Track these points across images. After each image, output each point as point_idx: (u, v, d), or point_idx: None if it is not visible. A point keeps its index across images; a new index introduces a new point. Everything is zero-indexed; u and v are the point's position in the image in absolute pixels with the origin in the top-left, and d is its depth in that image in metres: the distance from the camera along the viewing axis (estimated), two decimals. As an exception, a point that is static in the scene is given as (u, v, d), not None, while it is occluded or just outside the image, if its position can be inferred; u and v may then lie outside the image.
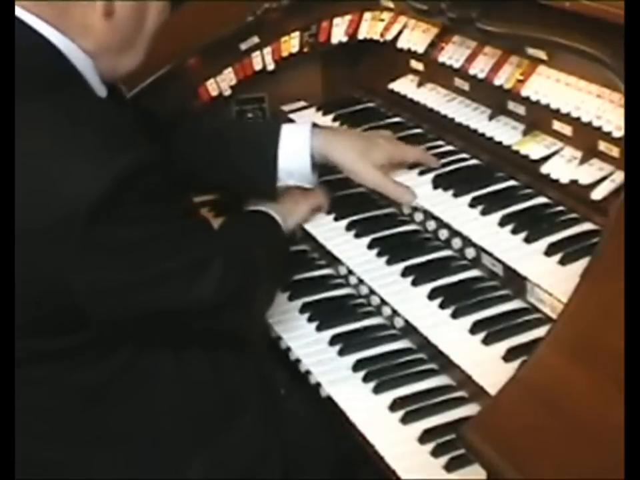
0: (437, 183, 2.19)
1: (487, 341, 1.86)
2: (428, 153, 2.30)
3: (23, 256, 1.65)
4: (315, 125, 2.23)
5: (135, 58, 1.89)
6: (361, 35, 2.64)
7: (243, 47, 2.74)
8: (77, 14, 1.74)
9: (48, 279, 1.67)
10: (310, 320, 2.21)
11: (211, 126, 2.34)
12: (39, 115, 1.66)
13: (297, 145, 2.18)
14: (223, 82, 2.75)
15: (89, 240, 1.64)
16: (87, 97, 1.79)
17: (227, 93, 2.76)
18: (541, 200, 2.09)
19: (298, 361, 2.13)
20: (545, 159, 2.09)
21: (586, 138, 2.01)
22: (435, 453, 1.81)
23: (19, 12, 1.72)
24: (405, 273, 2.10)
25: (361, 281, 2.20)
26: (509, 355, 1.80)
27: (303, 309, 2.24)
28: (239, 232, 2.13)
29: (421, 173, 2.25)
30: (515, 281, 1.95)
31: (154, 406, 1.90)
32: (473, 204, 2.10)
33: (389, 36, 2.56)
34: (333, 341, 2.12)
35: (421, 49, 2.44)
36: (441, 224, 2.13)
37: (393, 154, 2.23)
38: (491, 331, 1.88)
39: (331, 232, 2.31)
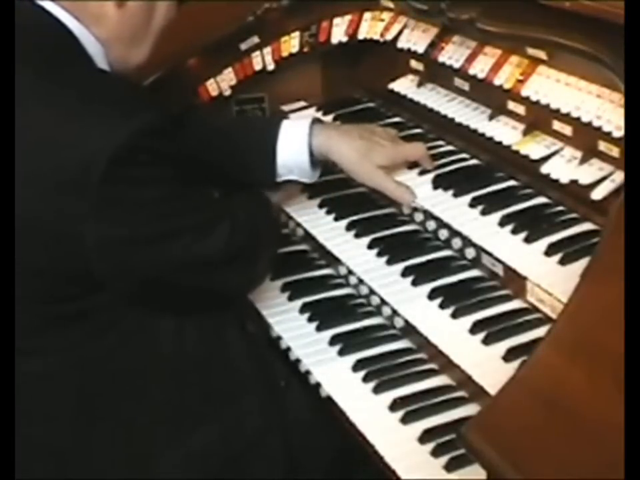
0: (437, 183, 2.19)
1: (487, 341, 1.86)
2: (427, 154, 2.29)
3: (41, 211, 1.72)
4: (316, 121, 2.23)
5: (143, 51, 1.99)
6: (361, 35, 2.64)
7: (243, 47, 2.74)
8: (91, 4, 1.86)
9: (64, 236, 1.72)
10: (310, 320, 2.21)
11: (212, 121, 2.35)
12: (56, 81, 1.76)
13: (295, 141, 2.18)
14: (223, 82, 2.75)
15: (103, 194, 1.70)
16: (98, 70, 1.89)
17: (227, 92, 2.76)
18: (541, 200, 2.09)
19: (298, 361, 2.13)
20: (545, 158, 2.09)
21: (586, 138, 2.01)
22: (435, 453, 1.81)
23: (43, 1, 1.83)
24: (405, 273, 2.10)
25: (360, 281, 2.20)
26: (509, 355, 1.80)
27: (303, 309, 2.24)
28: (243, 201, 2.17)
29: (421, 173, 2.25)
30: (514, 281, 1.95)
31: (154, 380, 1.93)
32: (473, 204, 2.10)
33: (389, 36, 2.56)
34: (333, 340, 2.12)
35: (420, 49, 2.44)
36: (441, 224, 2.13)
37: (395, 155, 2.22)
38: (490, 331, 1.88)
39: (331, 232, 2.31)
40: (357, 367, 2.04)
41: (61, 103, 1.75)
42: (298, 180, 2.25)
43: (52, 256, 1.76)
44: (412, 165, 2.27)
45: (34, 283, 1.81)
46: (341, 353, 2.09)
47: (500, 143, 2.20)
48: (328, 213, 2.37)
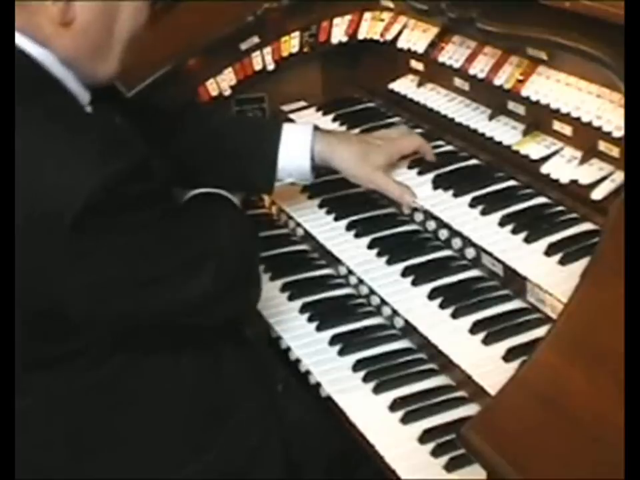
0: (437, 183, 2.19)
1: (486, 341, 1.86)
2: (423, 141, 2.29)
3: (17, 256, 1.64)
4: (315, 128, 2.23)
5: (112, 63, 1.83)
6: (361, 35, 2.65)
7: (243, 47, 2.74)
8: (42, 23, 1.70)
9: (37, 283, 1.67)
10: (310, 320, 2.21)
11: (214, 120, 2.33)
12: (24, 124, 1.64)
13: (298, 147, 2.19)
14: (223, 82, 2.75)
15: (77, 243, 1.63)
16: (68, 106, 1.76)
17: (227, 93, 2.76)
18: (541, 200, 2.09)
19: (298, 360, 2.13)
20: (545, 158, 2.09)
21: (586, 138, 2.01)
22: (435, 453, 1.81)
23: None
24: (405, 273, 2.10)
25: (360, 281, 2.20)
26: (509, 355, 1.80)
27: (302, 309, 2.24)
28: (216, 218, 2.08)
29: (421, 173, 2.25)
30: (515, 281, 1.95)
31: (151, 409, 1.91)
32: (472, 204, 2.10)
33: (389, 36, 2.56)
34: (333, 340, 2.12)
35: (420, 49, 2.44)
36: (441, 224, 2.13)
37: (391, 152, 2.24)
38: (490, 331, 1.88)
39: (331, 232, 2.31)
40: (357, 367, 2.04)
41: (33, 143, 1.64)
42: (296, 182, 2.26)
43: (29, 297, 1.70)
44: (412, 165, 2.28)
45: (13, 324, 1.71)
46: (341, 352, 2.09)
47: (500, 143, 2.20)
48: (328, 212, 2.37)
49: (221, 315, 1.93)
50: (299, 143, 2.19)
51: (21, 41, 1.71)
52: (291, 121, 2.69)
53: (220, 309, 1.91)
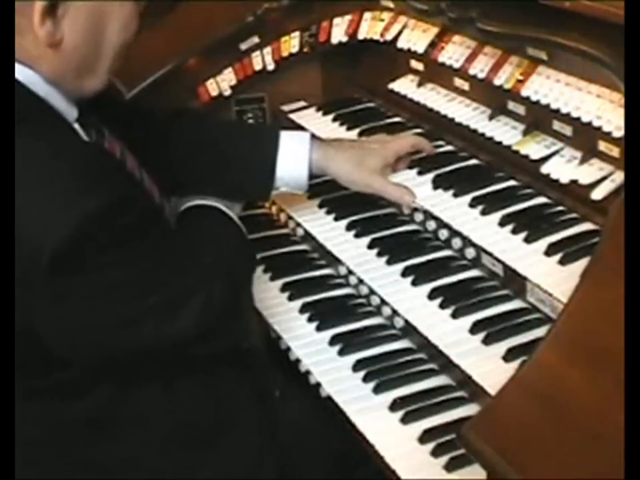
0: (437, 183, 2.19)
1: (486, 341, 1.86)
2: (419, 138, 2.30)
3: None
4: (312, 137, 2.22)
5: (100, 77, 1.78)
6: (361, 35, 2.65)
7: (243, 47, 2.74)
8: (27, 44, 1.64)
9: (18, 319, 1.62)
10: (310, 320, 2.21)
11: (211, 127, 2.32)
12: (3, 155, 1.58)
13: (296, 157, 2.17)
14: (223, 82, 2.75)
15: (54, 287, 1.59)
16: (52, 130, 1.69)
17: (227, 93, 2.76)
18: (541, 200, 2.09)
19: (298, 360, 2.13)
20: (545, 158, 2.09)
21: (586, 138, 2.01)
22: (435, 452, 1.81)
23: None
24: (405, 273, 2.10)
25: (360, 281, 2.20)
26: (509, 355, 1.80)
27: (302, 309, 2.24)
28: (206, 242, 2.03)
29: (421, 173, 2.25)
30: (515, 281, 1.95)
31: (141, 437, 1.88)
32: (472, 204, 2.10)
33: (389, 36, 2.56)
34: (333, 340, 2.12)
35: (420, 49, 2.44)
36: (441, 224, 2.13)
37: (387, 156, 2.23)
38: (491, 331, 1.88)
39: (331, 232, 2.31)
40: (357, 366, 2.04)
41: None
42: (290, 191, 2.24)
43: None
44: (412, 165, 2.28)
45: None
46: (341, 352, 2.09)
47: (500, 143, 2.20)
48: (328, 212, 2.37)
49: (209, 348, 1.87)
50: (296, 153, 2.18)
51: None
52: (291, 120, 2.69)
53: (207, 344, 1.85)
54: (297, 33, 2.74)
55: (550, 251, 1.90)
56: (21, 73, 1.67)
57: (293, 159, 2.17)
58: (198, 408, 1.94)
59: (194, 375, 1.93)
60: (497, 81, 2.20)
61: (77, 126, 1.79)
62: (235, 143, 2.25)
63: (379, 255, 2.18)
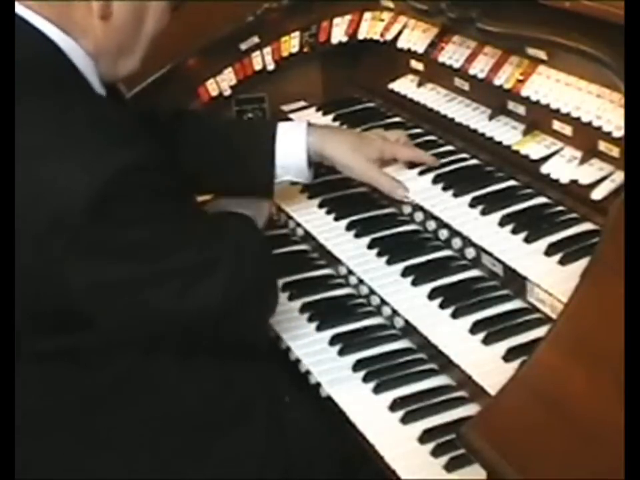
0: (437, 183, 2.19)
1: (486, 341, 1.86)
2: (425, 153, 2.30)
3: (23, 255, 1.64)
4: (310, 124, 2.26)
5: (134, 61, 1.91)
6: (361, 35, 2.65)
7: (243, 47, 2.74)
8: (77, 15, 1.77)
9: (47, 277, 1.66)
10: (310, 320, 2.21)
11: (210, 124, 2.35)
12: (37, 111, 1.67)
13: (294, 142, 2.21)
14: (223, 82, 2.75)
15: (85, 237, 1.63)
16: (87, 94, 1.79)
17: (227, 93, 2.76)
18: (541, 200, 2.09)
19: (298, 361, 2.13)
20: (545, 158, 2.09)
21: (586, 138, 2.02)
22: (435, 452, 1.81)
23: (23, 11, 1.75)
24: (405, 273, 2.10)
25: (361, 281, 2.20)
26: (509, 355, 1.80)
27: (303, 309, 2.24)
28: (240, 235, 2.05)
29: (421, 173, 2.25)
30: (515, 281, 1.95)
31: (156, 413, 1.90)
32: (473, 204, 2.10)
33: (389, 36, 2.56)
34: (333, 341, 2.12)
35: (420, 49, 2.44)
36: (441, 224, 2.13)
37: (384, 151, 2.25)
38: (491, 331, 1.88)
39: (330, 232, 2.31)
40: (357, 366, 2.04)
41: (42, 135, 1.65)
42: (294, 180, 2.27)
43: (35, 293, 1.69)
44: (412, 165, 2.28)
45: (19, 317, 1.71)
46: (341, 352, 2.09)
47: (500, 143, 2.20)
48: (328, 212, 2.37)
49: (227, 328, 1.89)
50: (294, 139, 2.21)
51: (49, 29, 1.75)
52: (291, 120, 2.69)
53: (227, 322, 1.86)
54: (297, 33, 2.74)
55: (550, 251, 1.90)
56: (63, 41, 1.77)
57: (290, 145, 2.21)
58: (208, 394, 1.95)
59: (210, 359, 1.94)
60: (497, 81, 2.20)
61: None
62: (235, 138, 2.28)
63: (379, 255, 2.18)
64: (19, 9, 1.75)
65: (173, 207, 1.74)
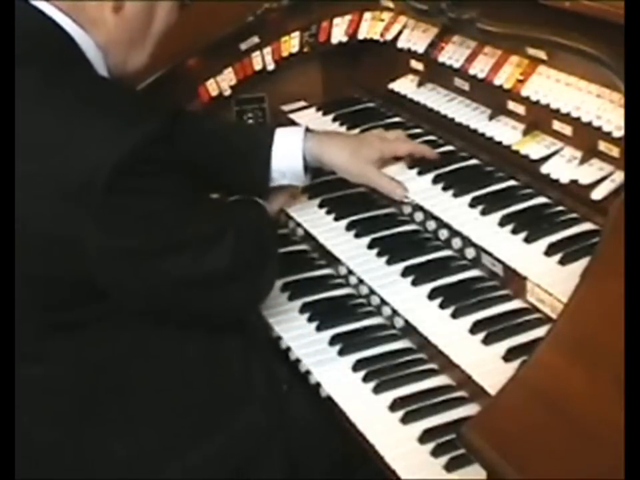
0: (437, 183, 2.19)
1: (486, 341, 1.86)
2: (421, 145, 2.31)
3: (41, 217, 1.70)
4: (307, 130, 2.27)
5: (143, 56, 1.98)
6: (361, 35, 2.65)
7: (243, 47, 2.74)
8: (89, 7, 1.84)
9: (66, 244, 1.71)
10: (310, 320, 2.21)
11: (208, 126, 2.37)
12: (63, 84, 1.75)
13: (290, 147, 2.23)
14: (223, 82, 2.75)
15: (106, 204, 1.68)
16: (100, 77, 1.88)
17: (227, 93, 2.76)
18: (541, 200, 2.09)
19: (298, 360, 2.13)
20: (545, 158, 2.09)
21: (586, 138, 2.01)
22: (435, 452, 1.81)
23: (39, 3, 1.81)
24: (405, 273, 2.10)
25: (361, 281, 2.20)
26: (509, 355, 1.80)
27: (302, 309, 2.24)
28: (243, 212, 2.18)
29: (421, 173, 2.25)
30: (515, 281, 1.95)
31: (158, 389, 1.93)
32: (472, 204, 2.10)
33: (389, 36, 2.56)
34: (333, 341, 2.12)
35: (421, 49, 2.44)
36: (441, 224, 2.14)
37: (384, 150, 2.26)
38: (490, 331, 1.88)
39: (330, 232, 2.31)
40: (357, 367, 2.04)
41: (65, 106, 1.73)
42: (290, 184, 2.29)
43: (52, 263, 1.74)
44: (412, 165, 2.28)
45: (33, 289, 1.79)
46: (341, 352, 2.09)
47: (500, 143, 2.20)
48: (328, 213, 2.37)
49: (233, 297, 1.97)
50: (290, 143, 2.23)
51: (63, 20, 1.82)
52: (291, 120, 2.69)
53: (234, 290, 1.95)
54: (297, 33, 2.74)
55: (550, 251, 1.90)
56: (77, 33, 1.84)
57: (286, 150, 2.23)
58: (211, 378, 1.98)
59: (208, 343, 1.99)
60: (497, 81, 2.20)
61: None
62: (232, 142, 2.31)
63: (379, 255, 2.18)
64: (37, 2, 1.81)
65: (183, 180, 1.82)
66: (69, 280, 1.77)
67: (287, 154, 2.22)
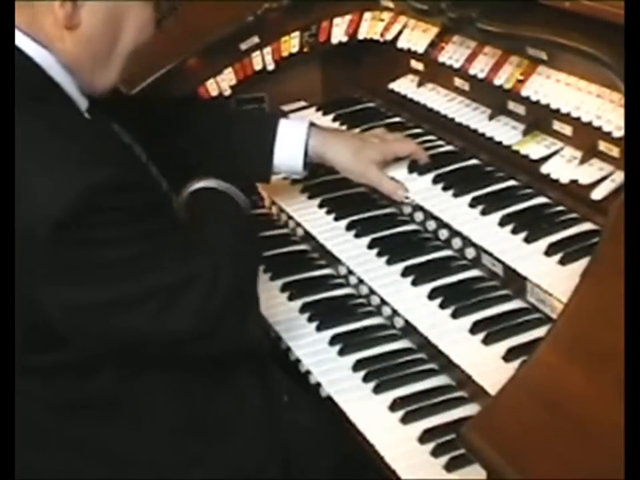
0: (437, 183, 2.19)
1: (486, 341, 1.86)
2: (420, 148, 2.30)
3: None
4: (312, 124, 2.26)
5: (111, 74, 1.82)
6: (361, 35, 2.65)
7: (243, 47, 2.74)
8: (46, 24, 1.70)
9: (21, 296, 1.65)
10: (310, 320, 2.21)
11: (213, 117, 2.34)
12: (19, 127, 1.62)
13: (293, 142, 2.22)
14: (223, 82, 2.75)
15: (55, 258, 1.61)
16: (64, 110, 1.75)
17: (227, 92, 2.76)
18: (541, 200, 2.09)
19: (298, 361, 2.13)
20: (545, 158, 2.09)
21: (586, 138, 2.02)
22: (435, 452, 1.81)
23: None
24: (405, 273, 2.10)
25: (361, 281, 2.20)
26: (509, 355, 1.80)
27: (303, 309, 2.24)
28: (212, 230, 1.98)
29: (421, 173, 2.25)
30: (515, 281, 1.95)
31: (146, 423, 1.88)
32: (473, 204, 2.10)
33: (389, 36, 2.56)
34: (333, 341, 2.12)
35: (421, 49, 2.44)
36: (441, 224, 2.13)
37: (385, 150, 2.26)
38: (490, 331, 1.88)
39: (330, 232, 2.31)
40: (357, 366, 2.04)
41: (24, 152, 1.61)
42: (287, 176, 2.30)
43: (17, 309, 1.66)
44: (412, 165, 2.27)
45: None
46: (341, 352, 2.09)
47: (500, 143, 2.20)
48: (328, 212, 2.37)
49: (210, 345, 1.85)
50: (294, 138, 2.22)
51: (22, 41, 1.70)
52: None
53: (208, 339, 1.82)
54: (297, 33, 2.74)
55: (550, 251, 1.90)
56: (39, 54, 1.71)
57: (289, 144, 2.21)
58: (203, 399, 1.93)
59: (198, 369, 1.92)
60: (497, 81, 2.20)
61: (86, 116, 1.82)
62: (237, 129, 2.28)
63: (379, 255, 2.18)
64: None
65: (144, 229, 1.69)
66: (29, 328, 1.70)
67: (290, 150, 2.21)
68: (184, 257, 1.77)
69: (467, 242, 2.07)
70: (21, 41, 1.70)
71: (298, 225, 2.44)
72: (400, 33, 2.53)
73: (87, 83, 1.80)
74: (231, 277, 1.82)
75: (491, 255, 1.99)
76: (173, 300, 1.72)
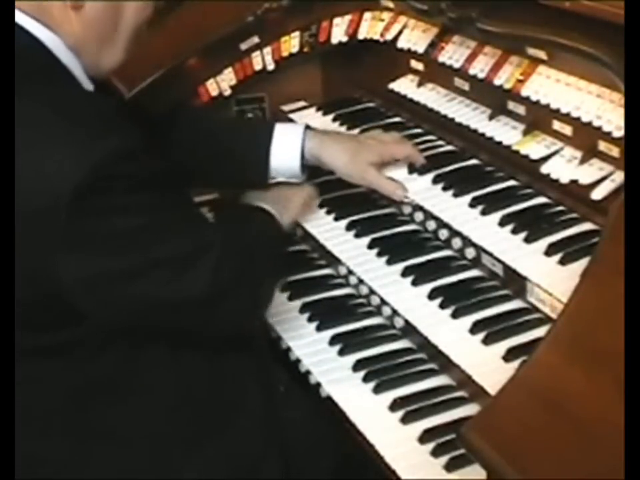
0: (437, 183, 2.19)
1: (486, 341, 1.86)
2: (415, 149, 2.30)
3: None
4: (307, 127, 2.26)
5: (116, 55, 1.89)
6: (361, 35, 2.65)
7: (243, 46, 2.74)
8: (53, 7, 1.76)
9: (35, 269, 1.67)
10: (310, 320, 2.21)
11: (207, 122, 2.35)
12: (22, 105, 1.66)
13: (289, 146, 2.21)
14: (223, 82, 2.75)
15: (72, 227, 1.63)
16: (71, 87, 1.80)
17: (227, 93, 2.76)
18: (541, 200, 2.09)
19: (298, 360, 2.13)
20: (545, 158, 2.09)
21: (586, 138, 2.02)
22: (435, 452, 1.81)
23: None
24: (405, 273, 2.10)
25: (361, 281, 2.20)
26: (509, 355, 1.80)
27: (303, 309, 2.24)
28: (237, 226, 2.08)
29: (421, 173, 2.25)
30: (515, 281, 1.95)
31: (149, 405, 1.90)
32: (473, 204, 2.10)
33: (389, 36, 2.56)
34: (333, 341, 2.12)
35: (421, 49, 2.44)
36: (441, 224, 2.14)
37: (383, 154, 2.25)
38: (490, 331, 1.88)
39: (331, 232, 2.31)
40: (357, 366, 2.04)
41: (28, 124, 1.65)
42: (287, 181, 2.27)
43: (25, 285, 1.68)
44: (412, 166, 2.27)
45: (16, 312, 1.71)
46: (341, 352, 2.09)
47: (500, 143, 2.20)
48: (328, 212, 2.37)
49: (217, 319, 1.88)
50: (290, 142, 2.21)
51: (30, 23, 1.75)
52: (291, 120, 2.69)
53: (216, 313, 1.86)
54: (297, 33, 2.74)
55: (550, 250, 1.90)
56: (45, 35, 1.76)
57: (285, 148, 2.21)
58: (201, 386, 1.95)
59: (201, 351, 1.94)
60: (497, 81, 2.20)
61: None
62: (232, 135, 2.29)
63: (379, 255, 2.18)
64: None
65: (158, 196, 1.73)
66: (45, 305, 1.72)
67: (286, 153, 2.21)
68: (194, 230, 1.82)
69: (467, 242, 2.07)
70: (29, 24, 1.75)
71: (298, 224, 2.43)
72: (400, 33, 2.53)
73: (94, 64, 1.86)
74: (239, 261, 1.87)
75: (491, 254, 1.99)
76: (185, 268, 1.75)
